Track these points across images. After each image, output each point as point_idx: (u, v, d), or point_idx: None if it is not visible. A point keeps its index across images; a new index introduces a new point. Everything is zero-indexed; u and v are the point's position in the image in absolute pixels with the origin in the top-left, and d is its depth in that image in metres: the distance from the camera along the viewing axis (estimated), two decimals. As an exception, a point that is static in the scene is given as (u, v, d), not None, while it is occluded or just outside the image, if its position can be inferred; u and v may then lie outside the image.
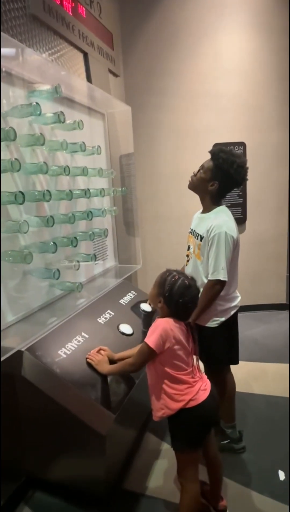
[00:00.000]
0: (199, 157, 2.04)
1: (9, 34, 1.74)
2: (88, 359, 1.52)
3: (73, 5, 2.25)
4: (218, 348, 1.83)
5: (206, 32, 3.52)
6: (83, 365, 1.50)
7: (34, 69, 1.71)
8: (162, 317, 1.37)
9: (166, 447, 1.97)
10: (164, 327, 1.30)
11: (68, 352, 1.52)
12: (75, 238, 1.85)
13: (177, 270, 1.37)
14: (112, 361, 1.54)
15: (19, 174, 1.59)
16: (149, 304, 2.19)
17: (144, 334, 1.93)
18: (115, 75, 3.14)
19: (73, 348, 1.56)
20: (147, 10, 3.48)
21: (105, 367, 1.48)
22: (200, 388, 1.35)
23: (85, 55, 2.46)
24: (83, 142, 1.95)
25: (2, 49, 1.52)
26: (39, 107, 1.55)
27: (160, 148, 3.76)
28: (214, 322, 1.80)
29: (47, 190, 1.62)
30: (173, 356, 1.32)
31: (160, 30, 3.52)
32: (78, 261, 1.95)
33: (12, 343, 1.43)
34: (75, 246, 1.86)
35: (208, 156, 1.84)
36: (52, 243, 1.67)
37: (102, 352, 1.56)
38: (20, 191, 1.44)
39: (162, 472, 1.82)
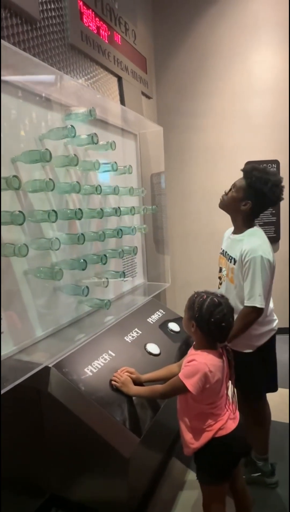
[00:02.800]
0: (232, 175, 2.01)
1: (49, 62, 1.84)
2: (112, 381, 1.50)
3: (109, 33, 2.36)
4: (254, 375, 1.74)
5: (238, 52, 3.56)
6: (109, 385, 1.49)
7: (70, 94, 1.80)
8: (197, 344, 1.32)
9: (192, 477, 1.89)
10: (204, 372, 1.23)
11: (95, 370, 1.51)
12: (105, 255, 1.87)
13: (205, 291, 1.33)
14: (139, 383, 1.51)
15: (53, 193, 1.65)
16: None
17: (171, 354, 1.90)
18: (148, 97, 3.23)
19: (99, 366, 1.55)
20: (179, 34, 3.58)
21: (131, 388, 1.45)
22: (229, 417, 1.29)
23: (120, 79, 2.56)
24: (115, 162, 2.00)
25: (41, 76, 1.62)
26: (74, 130, 1.61)
27: (191, 167, 3.78)
28: (249, 347, 1.73)
29: (79, 209, 1.66)
30: (208, 395, 1.26)
31: (192, 52, 3.60)
32: (107, 278, 1.97)
33: (40, 359, 1.45)
34: (105, 264, 1.88)
35: (241, 174, 1.80)
36: (82, 260, 1.70)
37: (127, 373, 1.53)
38: (53, 210, 1.48)
39: (186, 503, 1.73)
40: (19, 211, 1.32)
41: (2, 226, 1.34)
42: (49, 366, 1.43)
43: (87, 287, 1.72)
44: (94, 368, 1.53)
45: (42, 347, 1.57)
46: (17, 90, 1.48)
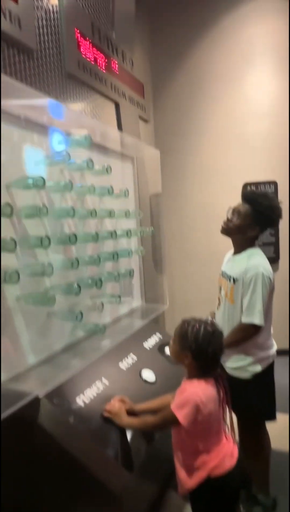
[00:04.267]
0: (230, 195, 2.03)
1: (46, 90, 1.88)
2: (105, 411, 1.45)
3: (106, 62, 2.43)
4: (251, 402, 1.69)
5: (234, 76, 3.64)
6: (101, 416, 1.44)
7: (67, 120, 1.82)
8: (190, 375, 1.28)
9: None
10: (195, 402, 1.17)
11: (87, 400, 1.47)
12: (100, 279, 1.86)
13: (193, 318, 1.29)
14: (133, 413, 1.46)
15: (48, 218, 1.65)
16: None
17: (168, 381, 1.85)
18: (145, 120, 3.29)
19: (92, 396, 1.50)
20: (177, 60, 3.68)
21: (124, 420, 1.40)
22: (226, 454, 1.23)
23: (117, 105, 2.61)
24: (111, 186, 2.01)
25: (37, 104, 1.65)
26: (68, 156, 1.63)
27: (189, 188, 3.81)
28: (247, 373, 1.69)
29: (73, 234, 1.66)
30: (202, 428, 1.21)
31: (189, 77, 3.69)
32: (102, 303, 1.94)
33: (31, 388, 1.41)
34: (100, 288, 1.86)
35: (238, 194, 1.83)
36: (76, 285, 1.68)
37: (120, 403, 1.48)
38: (46, 236, 1.48)
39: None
40: (11, 238, 1.31)
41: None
42: (40, 396, 1.38)
43: (81, 313, 1.69)
44: (86, 397, 1.48)
45: (34, 375, 1.53)
46: (13, 118, 1.51)
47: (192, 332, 1.23)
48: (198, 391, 1.20)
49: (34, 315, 1.59)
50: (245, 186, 3.71)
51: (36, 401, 1.37)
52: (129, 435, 1.43)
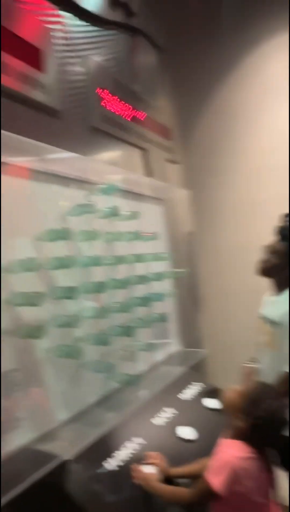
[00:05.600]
0: (268, 229, 1.96)
1: (72, 144, 1.96)
2: (136, 477, 1.31)
3: (131, 112, 2.52)
4: None
5: (262, 111, 3.61)
6: (133, 482, 1.31)
7: (93, 172, 1.88)
8: (233, 431, 1.14)
9: None
10: (233, 467, 1.03)
11: (118, 463, 1.35)
12: (131, 327, 1.79)
13: (277, 391, 1.15)
14: (167, 477, 1.31)
15: (76, 268, 1.65)
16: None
17: (210, 439, 1.67)
18: (174, 163, 3.33)
19: (124, 458, 1.38)
20: (203, 102, 3.76)
21: (156, 488, 1.25)
22: None
23: (144, 151, 2.68)
24: (138, 231, 1.99)
25: (64, 160, 1.73)
26: (94, 206, 1.65)
27: (223, 224, 3.72)
28: None
29: (101, 282, 1.63)
30: (244, 500, 1.05)
31: (216, 117, 3.74)
32: (134, 351, 1.86)
33: (59, 450, 1.33)
34: (130, 336, 1.79)
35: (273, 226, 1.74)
36: (105, 335, 1.63)
37: (153, 471, 1.33)
38: (72, 286, 1.47)
39: None
40: (34, 292, 1.31)
41: (21, 308, 1.34)
42: (67, 459, 1.29)
43: (112, 364, 1.62)
44: (117, 460, 1.36)
45: (63, 434, 1.46)
46: (41, 174, 1.58)
47: (266, 409, 1.08)
48: (237, 455, 1.05)
49: (63, 367, 1.55)
50: (284, 216, 3.55)
51: (63, 465, 1.28)
52: (162, 505, 1.27)
